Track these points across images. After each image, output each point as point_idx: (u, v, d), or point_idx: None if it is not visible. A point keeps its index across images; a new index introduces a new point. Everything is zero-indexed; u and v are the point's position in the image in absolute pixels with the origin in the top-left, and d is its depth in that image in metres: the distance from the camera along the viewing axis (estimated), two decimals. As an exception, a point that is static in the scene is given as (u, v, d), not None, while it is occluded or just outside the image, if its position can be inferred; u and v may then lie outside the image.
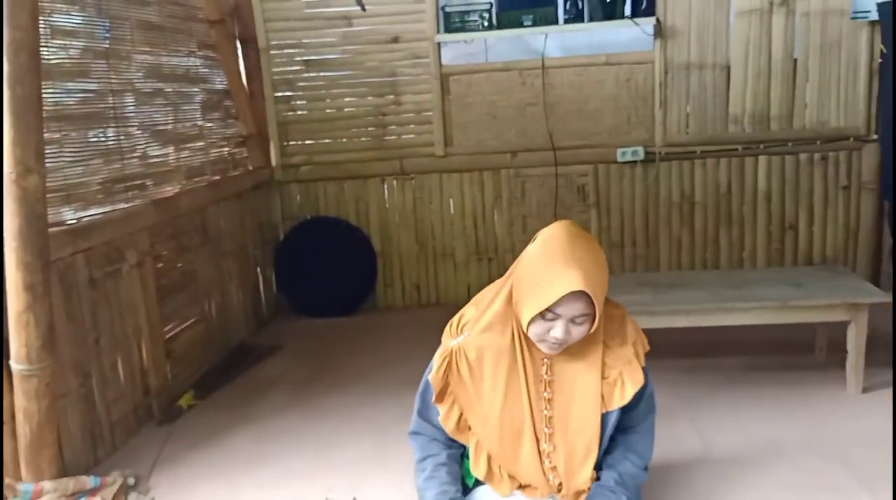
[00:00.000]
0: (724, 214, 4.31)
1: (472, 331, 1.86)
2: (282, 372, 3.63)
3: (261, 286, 4.45)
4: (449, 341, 1.89)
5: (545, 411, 1.86)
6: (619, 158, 4.30)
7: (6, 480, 2.26)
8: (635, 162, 4.30)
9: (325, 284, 4.47)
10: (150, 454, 2.78)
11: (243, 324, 4.13)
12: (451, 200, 4.55)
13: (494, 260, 4.54)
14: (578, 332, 1.76)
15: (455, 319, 1.93)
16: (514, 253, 4.50)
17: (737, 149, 4.24)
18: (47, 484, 2.28)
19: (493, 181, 4.47)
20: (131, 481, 2.50)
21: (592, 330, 1.76)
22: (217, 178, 3.98)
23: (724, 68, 4.18)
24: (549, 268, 1.72)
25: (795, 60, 4.14)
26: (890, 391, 2.90)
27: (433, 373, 1.89)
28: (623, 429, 1.94)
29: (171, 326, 3.36)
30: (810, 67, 4.13)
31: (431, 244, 4.60)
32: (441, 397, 1.90)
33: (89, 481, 2.37)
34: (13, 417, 2.27)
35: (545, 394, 1.85)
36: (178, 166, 3.60)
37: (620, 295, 2.98)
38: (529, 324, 1.75)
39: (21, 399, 2.26)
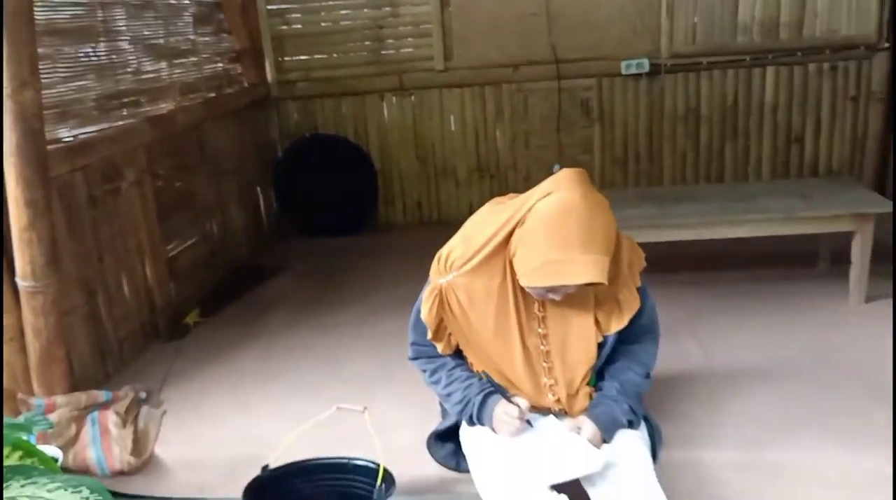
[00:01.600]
0: (729, 128, 4.25)
1: (461, 271, 1.82)
2: (286, 291, 3.65)
3: (261, 206, 4.43)
4: (437, 278, 1.86)
5: (542, 347, 1.86)
6: (624, 71, 4.20)
7: (19, 395, 2.29)
8: (640, 75, 4.20)
9: (326, 203, 4.44)
10: (160, 370, 2.82)
11: (245, 244, 4.13)
12: (451, 117, 4.47)
13: (497, 177, 4.50)
14: (576, 289, 1.74)
15: (443, 253, 1.88)
16: (517, 170, 4.46)
17: (744, 59, 4.14)
18: (60, 398, 2.31)
19: (495, 96, 4.38)
20: (143, 395, 2.54)
21: None
22: (212, 95, 3.90)
23: (735, -27, 4.04)
24: (564, 248, 1.65)
25: (807, -35, 4.00)
26: (891, 302, 2.93)
27: (425, 313, 1.87)
28: (626, 341, 1.94)
29: (173, 245, 3.36)
30: (822, -27, 3.99)
31: (432, 162, 4.55)
32: (436, 334, 1.90)
33: (101, 395, 2.40)
34: (22, 333, 2.29)
35: (540, 330, 1.85)
36: (171, 83, 3.52)
37: (624, 210, 2.98)
38: (526, 285, 1.73)
39: (28, 315, 2.27)
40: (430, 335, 1.90)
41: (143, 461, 2.28)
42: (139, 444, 2.30)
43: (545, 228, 1.68)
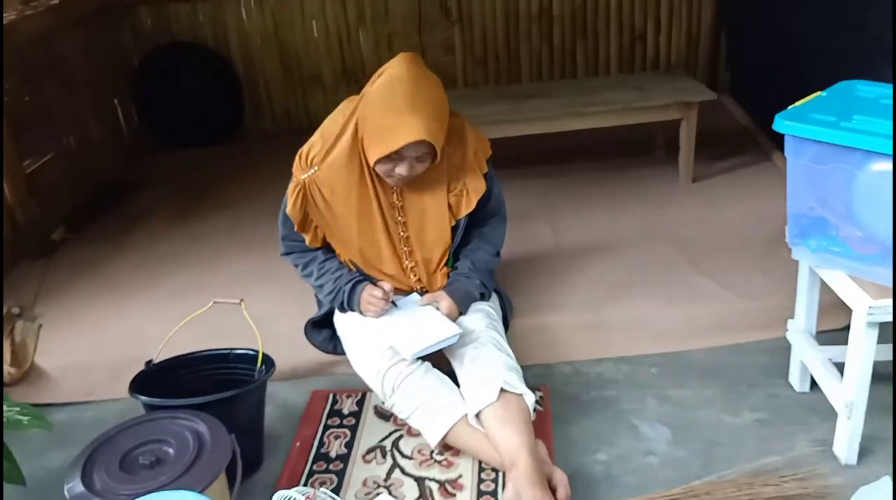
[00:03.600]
0: (579, 27, 4.46)
1: (322, 165, 1.96)
2: (155, 203, 3.64)
3: (121, 118, 4.29)
4: (300, 174, 2.00)
5: (402, 233, 2.05)
6: (479, -30, 4.29)
7: None
8: (496, -25, 4.31)
9: (190, 114, 4.36)
10: (31, 286, 2.81)
11: (108, 158, 4.02)
12: (313, 22, 4.43)
13: (363, 81, 4.44)
14: (422, 167, 1.92)
15: (304, 150, 2.01)
16: (382, 73, 4.50)
17: (589, -44, 4.32)
18: (-72, 319, 2.31)
19: (356, -1, 4.38)
20: (15, 310, 2.55)
21: (436, 162, 1.92)
22: (56, 2, 3.68)
23: None
24: (393, 114, 1.82)
25: None
26: (715, 180, 3.33)
27: (290, 208, 2.01)
28: (477, 224, 2.17)
29: (29, 162, 3.25)
30: None
31: (298, 69, 4.53)
32: (302, 226, 2.04)
33: (-28, 312, 2.41)
34: None
35: (399, 218, 2.04)
36: (9, -11, 3.31)
37: (481, 107, 3.17)
38: (375, 163, 1.89)
39: None
40: (296, 227, 2.04)
41: (24, 371, 2.33)
42: (18, 356, 2.34)
43: (376, 102, 1.85)
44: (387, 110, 1.83)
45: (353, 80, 4.54)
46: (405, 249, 2.08)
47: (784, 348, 2.19)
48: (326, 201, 2.00)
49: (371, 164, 1.91)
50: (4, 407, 1.51)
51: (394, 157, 1.87)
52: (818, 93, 1.89)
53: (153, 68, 4.33)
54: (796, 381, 2.15)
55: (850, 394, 1.78)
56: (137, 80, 4.36)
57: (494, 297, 2.21)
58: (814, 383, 2.09)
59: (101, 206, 3.58)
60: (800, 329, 2.09)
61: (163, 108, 4.36)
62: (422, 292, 2.15)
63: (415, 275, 2.11)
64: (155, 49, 4.35)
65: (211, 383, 2.02)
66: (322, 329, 2.25)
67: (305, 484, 1.91)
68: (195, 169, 4.07)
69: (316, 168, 1.97)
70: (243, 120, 4.57)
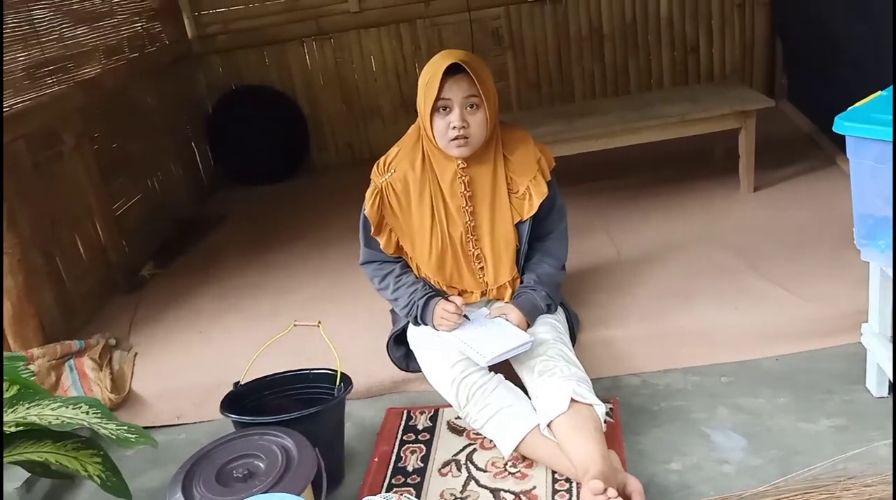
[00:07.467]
0: (631, 44, 4.51)
1: (396, 167, 2.11)
2: (231, 237, 3.83)
3: (198, 160, 4.55)
4: (377, 179, 2.14)
5: (468, 222, 2.14)
6: (529, -3, 4.40)
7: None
8: (544, 0, 4.41)
9: (260, 152, 4.56)
10: (125, 319, 3.01)
11: (187, 197, 4.27)
12: (371, 57, 4.62)
13: (421, 111, 4.68)
14: (476, 120, 2.01)
15: (381, 159, 2.16)
16: (439, 102, 4.65)
17: (637, -25, 4.38)
18: (37, 350, 2.50)
19: (410, 33, 4.55)
20: (112, 341, 2.74)
21: (489, 119, 2.02)
22: (136, 55, 3.96)
23: None
24: (430, 66, 2.01)
25: None
26: (777, 188, 3.31)
27: (368, 208, 2.14)
28: (540, 238, 2.24)
29: (119, 203, 3.50)
30: None
31: (358, 103, 4.71)
32: (378, 229, 2.16)
33: (75, 344, 2.60)
34: (-7, 295, 2.45)
35: (467, 207, 2.13)
36: (95, 46, 3.58)
37: (535, 128, 3.24)
38: (433, 126, 2.02)
39: (-4, 278, 2.43)
40: (372, 231, 2.15)
41: (123, 397, 2.50)
42: (117, 383, 2.52)
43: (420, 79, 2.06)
44: (425, 69, 2.02)
45: (412, 110, 4.65)
46: (472, 236, 2.15)
47: (860, 354, 2.14)
48: (399, 200, 2.13)
49: (430, 131, 2.03)
50: (114, 426, 1.65)
51: (441, 103, 1.99)
52: (878, 93, 1.88)
53: (225, 111, 4.58)
54: (874, 386, 2.10)
55: (929, 397, 1.75)
56: (211, 122, 4.61)
57: (560, 311, 2.26)
58: (893, 388, 2.05)
59: (184, 242, 3.80)
60: (874, 333, 2.03)
61: (235, 147, 4.59)
62: (489, 305, 2.23)
63: (479, 262, 2.18)
64: (226, 93, 4.61)
65: (292, 402, 2.12)
66: (400, 346, 2.33)
67: (386, 496, 1.99)
68: (267, 203, 4.27)
69: (392, 172, 2.11)
70: (310, 155, 4.77)
